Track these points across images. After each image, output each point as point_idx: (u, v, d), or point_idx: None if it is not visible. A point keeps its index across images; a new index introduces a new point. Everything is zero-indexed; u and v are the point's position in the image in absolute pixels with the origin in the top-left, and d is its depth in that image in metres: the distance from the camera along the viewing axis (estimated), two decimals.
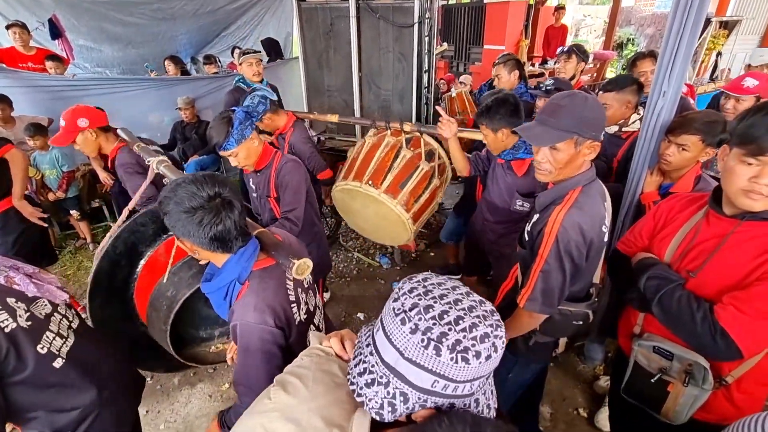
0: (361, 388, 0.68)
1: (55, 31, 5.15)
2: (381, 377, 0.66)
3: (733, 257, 1.12)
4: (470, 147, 2.72)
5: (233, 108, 1.80)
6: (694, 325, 1.10)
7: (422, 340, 0.61)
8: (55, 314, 1.28)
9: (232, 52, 6.06)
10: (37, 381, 1.17)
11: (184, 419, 2.27)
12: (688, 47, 1.52)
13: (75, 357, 1.28)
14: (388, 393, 0.65)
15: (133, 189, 2.28)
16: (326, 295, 3.15)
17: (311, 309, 1.32)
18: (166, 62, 4.99)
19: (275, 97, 2.57)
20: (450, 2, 7.65)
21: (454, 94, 3.96)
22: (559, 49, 3.26)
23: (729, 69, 6.69)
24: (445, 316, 0.63)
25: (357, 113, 3.28)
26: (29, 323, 1.17)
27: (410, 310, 0.64)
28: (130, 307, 1.88)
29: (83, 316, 1.51)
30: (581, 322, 1.44)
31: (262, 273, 1.15)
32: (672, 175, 1.73)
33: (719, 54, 6.38)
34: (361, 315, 3.03)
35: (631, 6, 11.73)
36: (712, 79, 6.01)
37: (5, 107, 3.50)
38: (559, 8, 6.58)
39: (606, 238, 1.39)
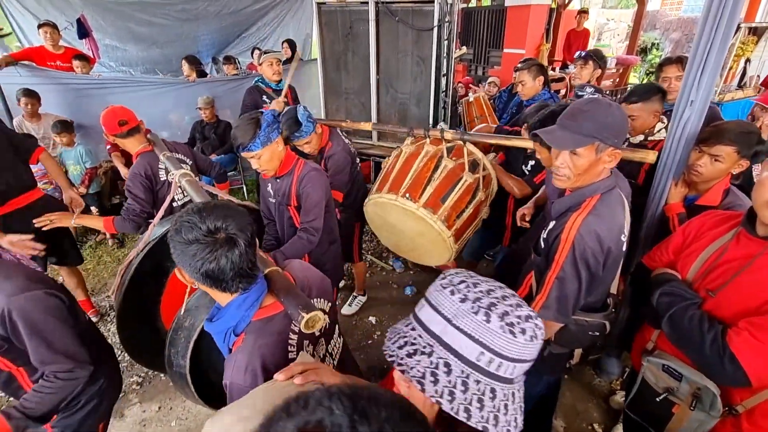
0: (401, 359, 0.66)
1: (83, 31, 5.31)
2: (424, 347, 0.66)
3: (757, 280, 1.08)
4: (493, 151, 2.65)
5: (260, 110, 1.78)
6: (703, 345, 1.07)
7: (472, 308, 0.63)
8: None
9: (252, 53, 6.15)
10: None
11: (195, 417, 2.30)
12: (718, 55, 1.47)
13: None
14: (431, 362, 0.64)
15: (131, 199, 2.24)
16: (353, 308, 3.12)
17: (320, 359, 1.21)
18: (183, 62, 5.07)
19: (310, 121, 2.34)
20: (470, 5, 7.61)
21: (471, 99, 3.92)
22: (576, 54, 3.15)
23: (758, 76, 6.46)
24: (491, 292, 0.66)
25: (374, 116, 3.28)
26: None
27: (459, 283, 0.67)
28: (157, 319, 1.84)
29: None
30: (597, 334, 1.40)
31: (263, 325, 1.04)
32: (699, 187, 1.67)
33: (748, 61, 6.16)
34: (372, 319, 3.02)
35: (656, 10, 11.47)
36: (740, 87, 5.82)
37: (34, 102, 3.63)
38: (582, 12, 6.47)
39: (625, 248, 1.36)
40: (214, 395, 1.52)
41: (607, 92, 3.34)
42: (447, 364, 0.63)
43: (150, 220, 2.17)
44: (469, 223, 2.27)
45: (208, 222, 0.92)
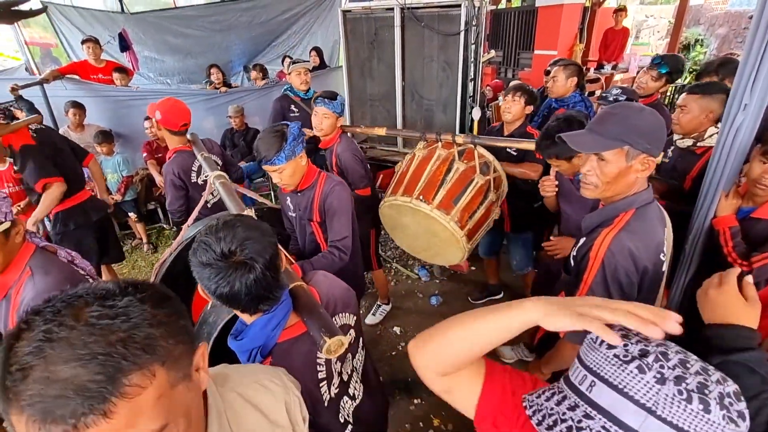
0: None
1: (124, 44, 5.59)
2: None
3: None
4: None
5: (285, 122, 1.73)
6: None
7: (679, 392, 0.49)
8: None
9: (283, 61, 6.26)
10: None
11: None
12: None
13: None
14: None
15: (168, 198, 2.39)
16: (377, 318, 3.07)
17: (345, 379, 1.17)
18: (212, 70, 5.27)
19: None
20: (499, 7, 7.44)
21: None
22: (651, 61, 2.69)
23: None
24: (687, 364, 0.51)
25: (399, 123, 3.23)
26: None
27: (643, 356, 0.52)
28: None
29: None
30: None
31: (289, 347, 1.01)
32: (756, 199, 1.52)
33: None
34: (397, 329, 2.96)
35: (700, 4, 10.83)
36: None
37: (80, 113, 3.87)
38: (620, 10, 6.17)
39: (665, 268, 1.24)
40: None
41: (660, 98, 2.83)
42: None
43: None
44: (481, 223, 2.36)
45: (222, 245, 0.88)
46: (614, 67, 6.23)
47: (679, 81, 5.55)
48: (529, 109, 2.47)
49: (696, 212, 1.68)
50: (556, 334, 1.36)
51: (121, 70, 4.39)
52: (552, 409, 0.57)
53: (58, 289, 1.23)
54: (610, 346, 0.55)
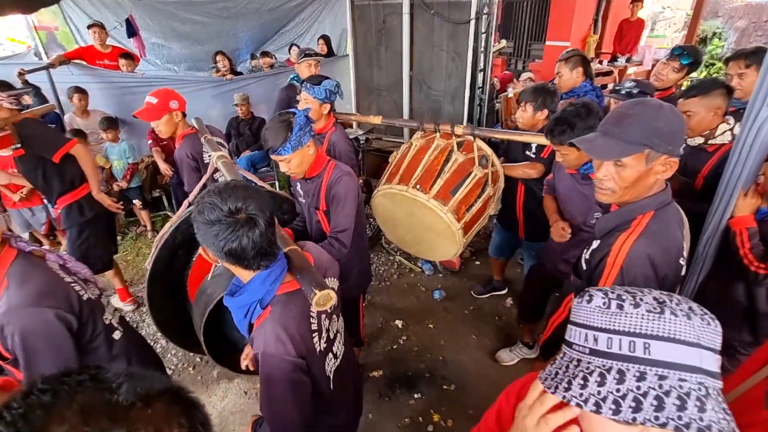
0: (700, 419, 0.53)
1: (131, 30, 5.55)
2: (699, 389, 0.54)
3: None
4: None
5: (293, 110, 1.70)
6: None
7: (702, 319, 0.57)
8: (102, 298, 1.44)
9: (290, 49, 6.19)
10: (104, 350, 1.37)
11: (219, 414, 2.32)
12: None
13: (129, 335, 1.47)
14: (714, 400, 0.54)
15: (186, 180, 2.38)
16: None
17: (331, 336, 1.26)
18: (218, 57, 5.20)
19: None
20: None
21: (510, 94, 3.72)
22: (671, 51, 2.58)
23: None
24: (672, 297, 0.61)
25: (406, 113, 3.18)
26: (93, 296, 1.35)
27: (662, 303, 0.59)
28: (185, 295, 1.94)
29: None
30: None
31: (287, 299, 1.09)
32: None
33: None
34: (399, 323, 2.94)
35: None
36: None
37: (84, 98, 3.85)
38: (636, 0, 5.99)
39: (684, 272, 1.19)
40: (227, 356, 1.77)
41: (677, 92, 2.56)
42: (715, 389, 0.55)
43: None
44: (478, 217, 2.30)
45: (229, 203, 0.95)
46: (628, 60, 6.06)
47: (694, 75, 5.41)
48: (544, 113, 2.26)
49: (712, 212, 1.62)
50: (562, 335, 1.32)
51: (127, 56, 4.35)
52: (618, 390, 0.55)
53: (32, 304, 1.16)
54: (635, 305, 0.58)
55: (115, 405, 0.48)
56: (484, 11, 2.60)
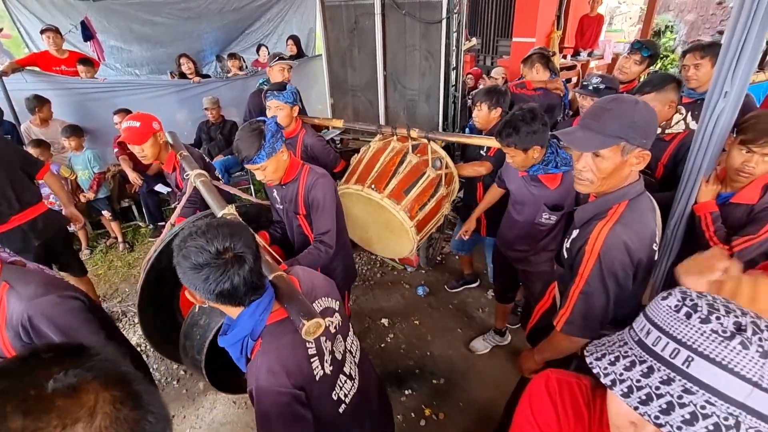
0: (679, 428, 0.54)
1: (87, 34, 5.29)
2: (726, 419, 0.53)
3: None
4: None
5: (262, 119, 1.70)
6: None
7: None
8: None
9: (258, 50, 6.07)
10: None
11: (208, 425, 2.27)
12: (756, 41, 1.35)
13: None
14: None
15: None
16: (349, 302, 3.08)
17: (338, 357, 1.20)
18: (182, 59, 4.97)
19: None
20: None
21: None
22: (631, 46, 2.73)
23: None
24: None
25: (381, 113, 3.19)
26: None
27: (741, 330, 0.54)
28: (177, 316, 1.92)
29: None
30: None
31: (276, 328, 1.05)
32: (734, 185, 1.56)
33: None
34: (385, 321, 2.96)
35: None
36: (761, 68, 5.58)
37: (45, 108, 3.64)
38: None
39: (657, 257, 1.27)
40: (226, 383, 1.73)
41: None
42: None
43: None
44: (431, 216, 2.41)
45: (215, 243, 0.92)
46: (590, 54, 6.30)
47: (652, 67, 5.67)
48: (497, 111, 2.38)
49: (677, 198, 1.72)
50: (549, 323, 1.38)
51: (86, 61, 4.15)
52: (639, 381, 0.57)
53: (48, 293, 1.22)
54: (704, 320, 0.56)
55: (38, 398, 0.48)
56: (455, 11, 2.64)
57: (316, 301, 1.18)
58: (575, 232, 1.30)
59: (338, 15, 3.02)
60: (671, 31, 10.45)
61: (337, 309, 1.26)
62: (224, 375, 1.76)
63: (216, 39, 6.86)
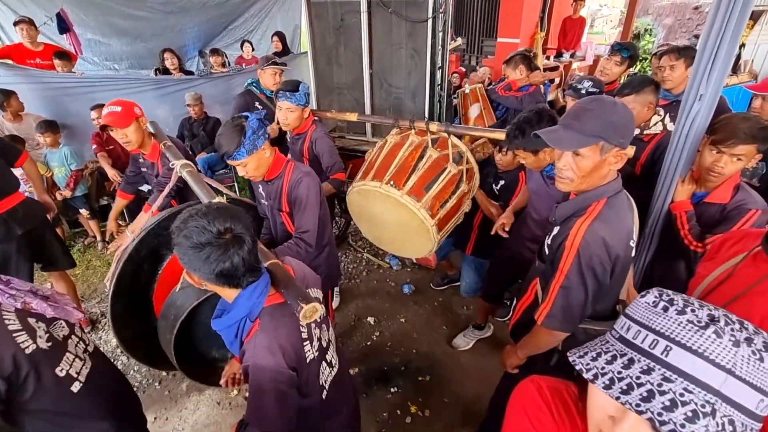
0: (682, 425, 0.54)
1: (63, 26, 5.11)
2: (703, 406, 0.55)
3: (757, 303, 1.03)
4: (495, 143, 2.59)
5: (245, 114, 1.66)
6: None
7: (753, 353, 0.54)
8: (73, 336, 1.29)
9: (242, 46, 5.98)
10: (52, 407, 1.16)
11: (192, 426, 2.24)
12: (730, 45, 1.40)
13: (94, 382, 1.26)
14: (717, 424, 0.54)
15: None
16: (336, 301, 3.08)
17: (323, 345, 1.26)
18: (167, 54, 4.86)
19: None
20: None
21: (467, 90, 3.83)
22: (611, 48, 2.82)
23: (752, 61, 6.43)
24: (745, 324, 0.57)
25: (368, 111, 3.19)
26: (49, 344, 1.16)
27: (715, 321, 0.56)
28: (150, 309, 1.87)
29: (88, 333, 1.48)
30: None
31: (274, 310, 1.10)
32: (707, 184, 1.62)
33: (742, 45, 6.11)
34: (371, 319, 2.97)
35: None
36: (734, 72, 5.78)
37: (12, 100, 3.49)
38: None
39: (634, 253, 1.30)
40: (196, 369, 1.78)
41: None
42: (731, 422, 0.54)
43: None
44: (453, 214, 2.29)
45: (216, 224, 0.96)
46: (572, 55, 6.43)
47: (631, 69, 5.81)
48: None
49: (655, 198, 1.77)
50: (531, 319, 1.40)
51: (63, 55, 4.02)
52: (620, 372, 0.59)
53: (27, 314, 1.13)
54: (680, 312, 0.58)
55: None
56: (440, 10, 2.66)
57: (308, 290, 1.21)
58: (556, 229, 1.33)
59: (324, 12, 3.01)
60: (650, 34, 10.74)
61: (321, 300, 1.30)
62: (194, 362, 1.83)
63: (199, 34, 6.73)
